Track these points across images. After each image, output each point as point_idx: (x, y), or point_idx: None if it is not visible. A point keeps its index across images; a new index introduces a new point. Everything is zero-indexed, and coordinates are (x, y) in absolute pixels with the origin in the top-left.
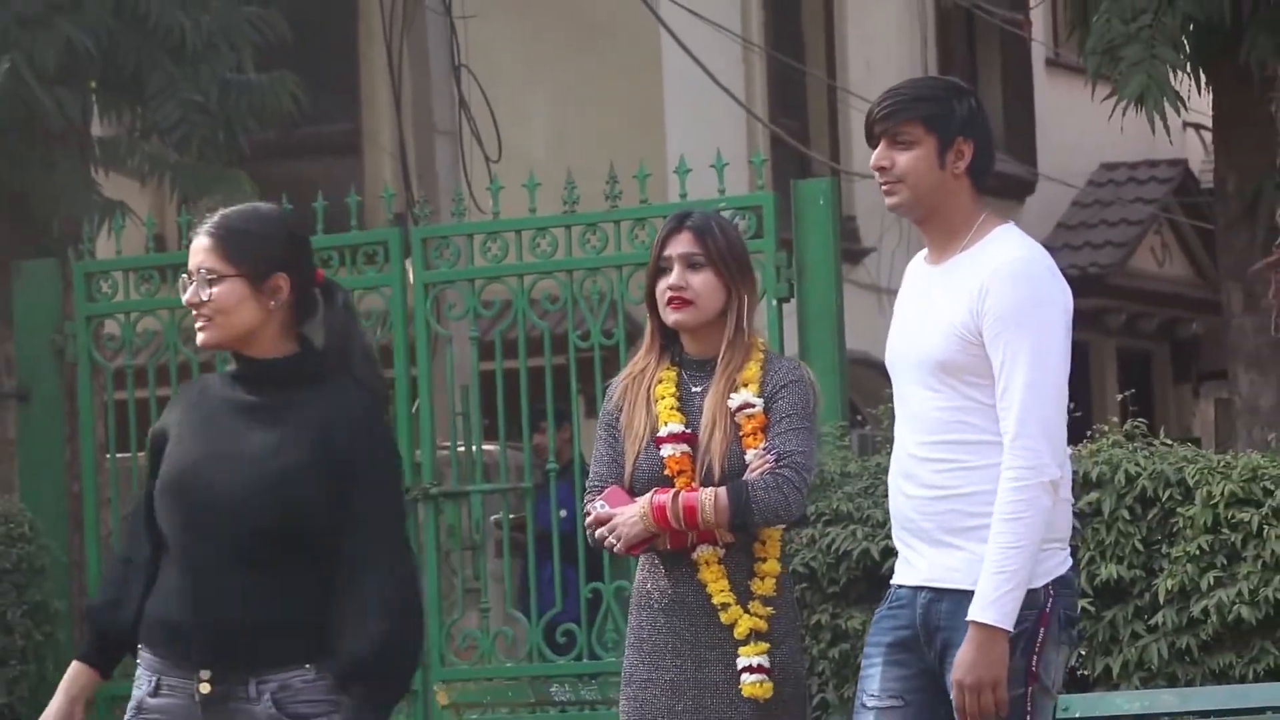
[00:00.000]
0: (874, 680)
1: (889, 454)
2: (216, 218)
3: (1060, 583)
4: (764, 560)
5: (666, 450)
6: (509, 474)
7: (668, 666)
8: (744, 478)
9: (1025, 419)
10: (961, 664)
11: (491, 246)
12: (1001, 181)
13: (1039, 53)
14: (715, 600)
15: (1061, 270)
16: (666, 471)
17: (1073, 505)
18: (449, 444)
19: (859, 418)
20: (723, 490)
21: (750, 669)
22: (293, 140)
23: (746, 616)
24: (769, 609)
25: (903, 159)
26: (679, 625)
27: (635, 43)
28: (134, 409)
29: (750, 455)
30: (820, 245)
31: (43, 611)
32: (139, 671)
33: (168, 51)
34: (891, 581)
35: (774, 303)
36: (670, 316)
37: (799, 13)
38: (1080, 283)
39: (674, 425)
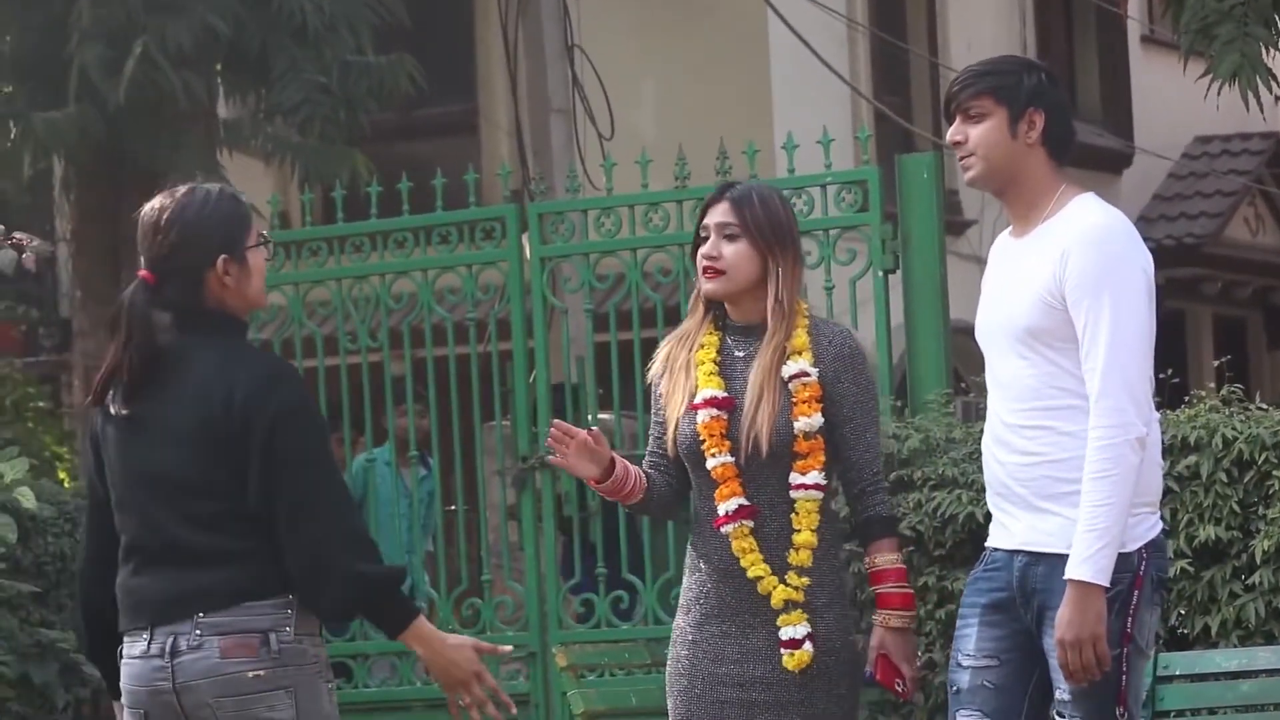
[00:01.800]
0: (970, 640)
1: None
2: None
3: (1153, 546)
4: (799, 531)
5: (701, 416)
6: (623, 442)
7: (713, 631)
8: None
9: (1109, 379)
10: (1062, 622)
11: (605, 221)
12: (1098, 155)
13: (1134, 29)
14: (749, 573)
15: (1157, 241)
16: (700, 437)
17: (1163, 469)
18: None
19: (962, 385)
20: (890, 551)
21: (789, 642)
22: (411, 121)
23: (782, 587)
24: (805, 579)
25: (975, 132)
26: (725, 592)
27: (742, 22)
28: None
29: (801, 424)
30: (924, 218)
31: None
32: (302, 631)
33: (290, 34)
34: (987, 544)
35: (880, 274)
36: (704, 285)
37: None
38: (1176, 253)
39: (710, 390)
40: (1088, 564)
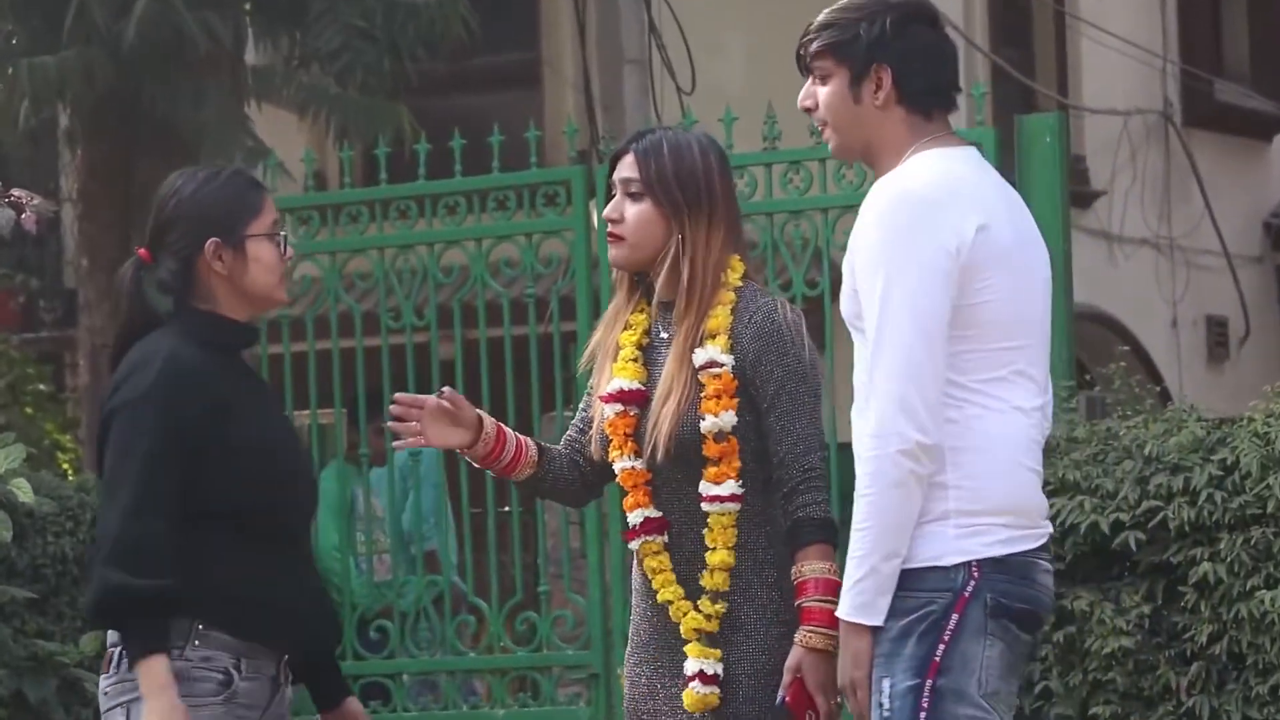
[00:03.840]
0: None
1: (1121, 417)
2: None
3: (993, 565)
4: (713, 550)
5: (606, 412)
6: None
7: (646, 669)
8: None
9: (874, 380)
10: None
11: None
12: (1245, 119)
13: None
14: (659, 597)
15: None
16: (607, 436)
17: (1036, 482)
18: None
19: (1087, 377)
20: (819, 559)
21: (693, 676)
22: (465, 71)
23: (693, 614)
24: (719, 606)
25: (821, 96)
26: (652, 617)
27: None
28: (290, 363)
29: (708, 423)
30: (1046, 186)
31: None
32: (207, 653)
33: None
34: None
35: None
36: (610, 252)
37: None
38: None
39: (621, 380)
40: (845, 598)
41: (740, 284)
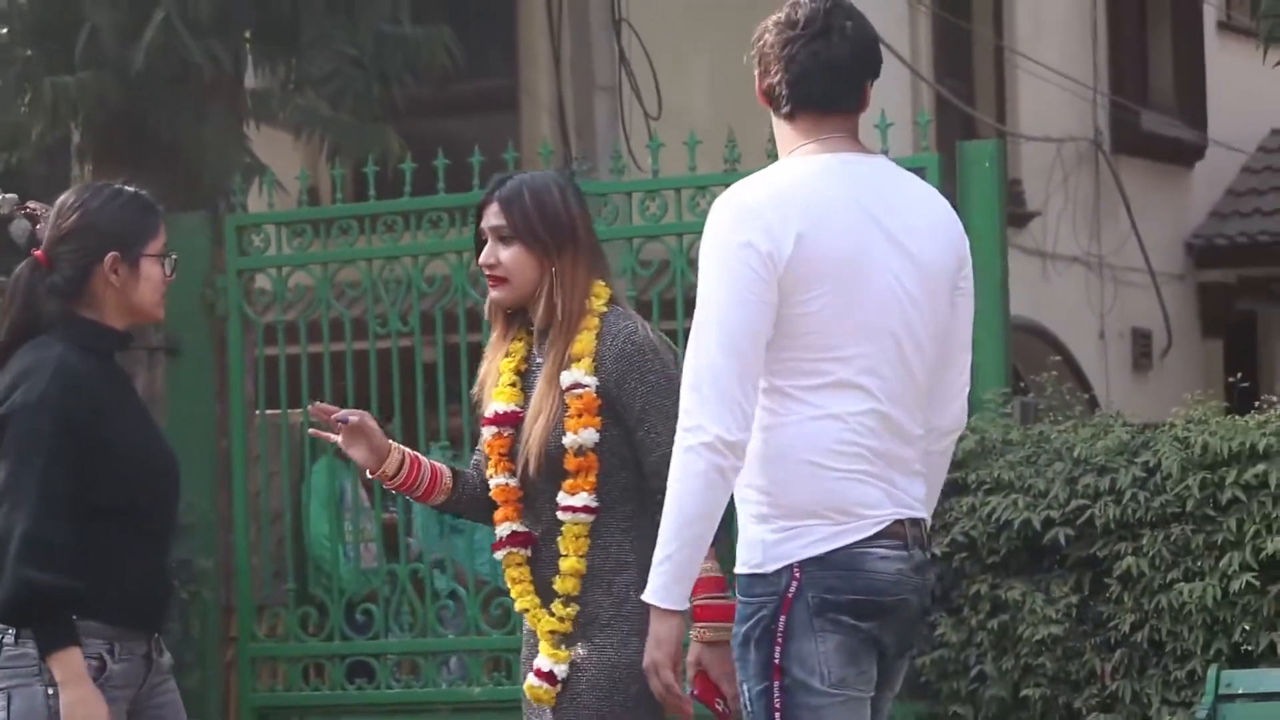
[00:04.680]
0: None
1: (1053, 421)
2: None
3: (816, 564)
4: (565, 557)
5: (485, 434)
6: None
7: (531, 653)
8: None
9: (685, 369)
10: None
11: (650, 205)
12: (1170, 146)
13: (1210, 15)
14: (516, 605)
15: (1230, 238)
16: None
17: (861, 480)
18: None
19: (1022, 384)
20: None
21: (536, 672)
22: (448, 95)
23: (547, 618)
24: (570, 609)
25: None
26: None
27: None
28: (284, 365)
29: (569, 440)
30: (985, 207)
31: (188, 570)
32: (83, 640)
33: (322, 2)
34: None
35: None
36: (491, 294)
37: None
38: (1250, 250)
39: (499, 404)
40: (650, 582)
41: (605, 309)
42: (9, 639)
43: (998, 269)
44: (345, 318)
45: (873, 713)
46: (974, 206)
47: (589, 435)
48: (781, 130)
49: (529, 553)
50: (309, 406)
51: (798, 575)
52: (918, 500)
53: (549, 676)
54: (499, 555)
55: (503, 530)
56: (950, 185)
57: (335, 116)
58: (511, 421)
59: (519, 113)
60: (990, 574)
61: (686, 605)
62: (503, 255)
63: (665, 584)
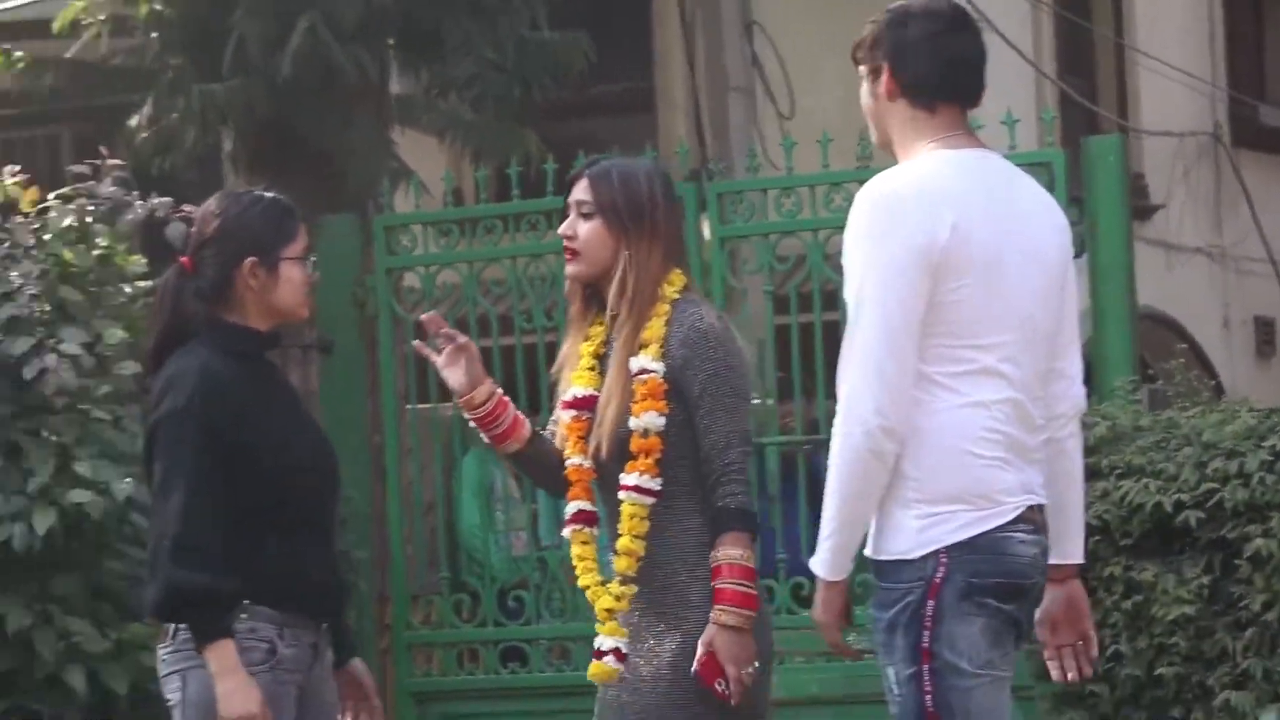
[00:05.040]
0: None
1: (1181, 408)
2: None
3: (962, 548)
4: (620, 536)
5: (564, 417)
6: (806, 427)
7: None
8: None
9: (845, 355)
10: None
11: (785, 202)
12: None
13: None
14: (580, 582)
15: None
16: (565, 438)
17: (1000, 467)
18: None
19: (1150, 372)
20: (733, 546)
21: (596, 651)
22: (586, 98)
23: (605, 596)
24: (627, 589)
25: (862, 96)
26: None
27: None
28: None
29: (634, 423)
30: (1110, 201)
31: (345, 560)
32: (253, 624)
33: (465, 9)
34: None
35: None
36: (567, 268)
37: None
38: None
39: (578, 388)
40: (816, 556)
41: (677, 296)
42: (182, 625)
43: (1124, 261)
44: (491, 314)
45: None
46: (1099, 201)
47: (652, 419)
48: (914, 123)
49: (595, 531)
50: (422, 318)
51: (944, 560)
52: (1040, 486)
53: (604, 653)
54: (566, 533)
55: (572, 508)
56: (1075, 180)
57: (477, 120)
58: (588, 405)
59: (655, 114)
60: (1124, 556)
61: (848, 573)
62: (581, 229)
63: (829, 558)
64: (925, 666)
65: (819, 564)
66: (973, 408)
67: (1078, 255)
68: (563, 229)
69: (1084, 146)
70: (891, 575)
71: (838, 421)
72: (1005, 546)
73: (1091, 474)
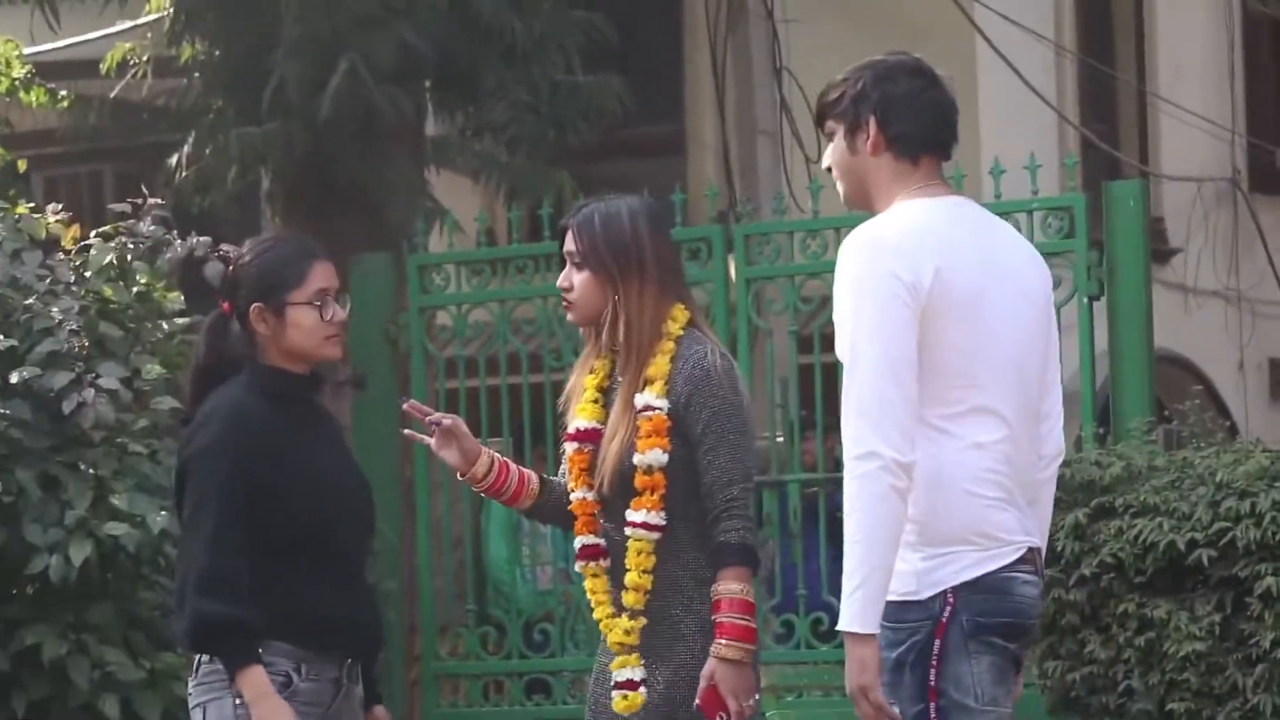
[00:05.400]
0: None
1: (1195, 448)
2: None
3: (968, 588)
4: (629, 572)
5: (568, 449)
6: (827, 464)
7: (603, 663)
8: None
9: (847, 399)
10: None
11: (811, 243)
12: None
13: None
14: (594, 614)
15: None
16: (569, 471)
17: (1000, 508)
18: (768, 435)
19: (1166, 413)
20: (734, 580)
21: (619, 684)
22: (617, 140)
23: (617, 630)
24: (637, 622)
25: (829, 154)
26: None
27: (950, 47)
28: (464, 398)
29: (638, 459)
30: (1130, 245)
31: (376, 592)
32: (269, 659)
33: (500, 53)
34: None
35: (1085, 300)
36: (568, 316)
37: (1110, 18)
38: None
39: (581, 421)
40: (844, 610)
41: (680, 333)
42: (204, 658)
43: (1142, 303)
44: (522, 352)
45: None
46: (1120, 244)
47: (656, 456)
48: (898, 175)
49: (606, 564)
50: (405, 404)
51: (951, 600)
52: (1035, 527)
53: (635, 685)
54: (577, 567)
55: (579, 543)
56: (1097, 224)
57: (511, 161)
58: (592, 438)
59: (685, 156)
60: (1137, 593)
61: (879, 628)
62: (575, 279)
63: (859, 610)
64: (932, 704)
65: (851, 619)
66: (973, 449)
67: (1098, 297)
68: (560, 281)
69: (1105, 191)
70: (897, 616)
71: (849, 465)
72: (1010, 587)
73: (1107, 513)
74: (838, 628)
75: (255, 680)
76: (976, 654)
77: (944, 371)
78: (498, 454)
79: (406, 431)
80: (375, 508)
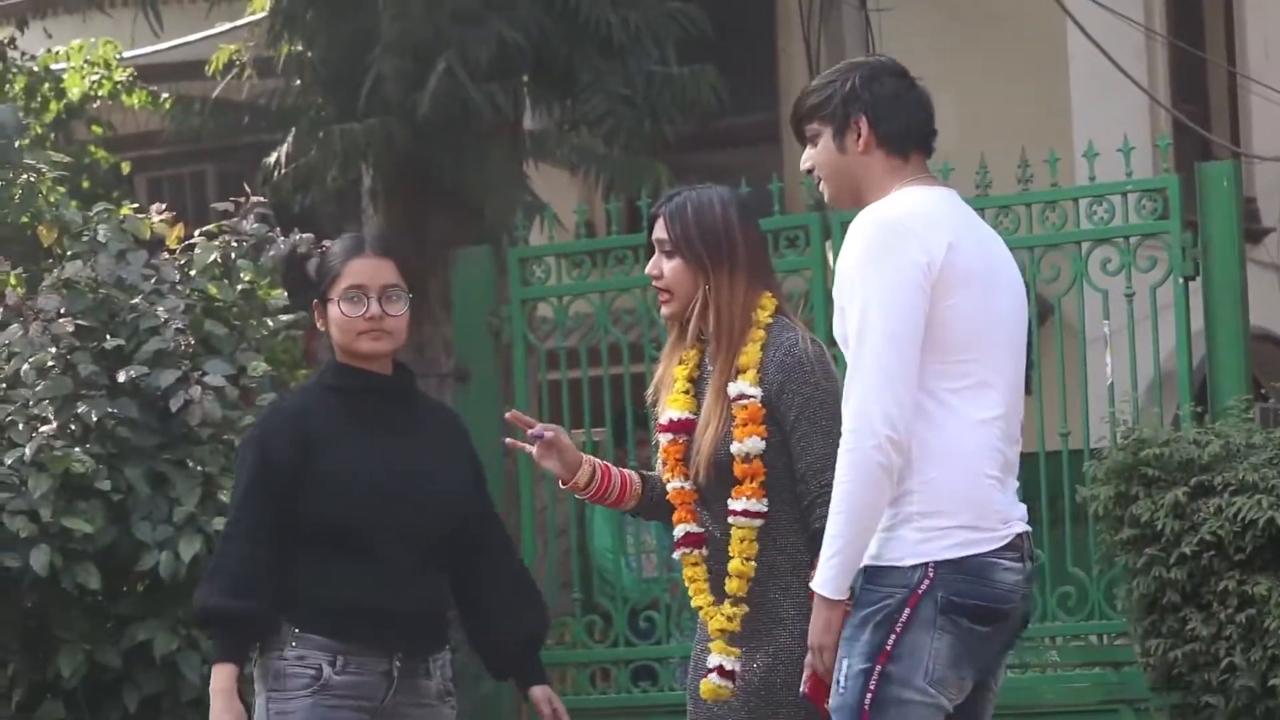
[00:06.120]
0: None
1: None
2: None
3: (950, 566)
4: (732, 559)
5: (662, 440)
6: None
7: (698, 651)
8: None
9: (852, 381)
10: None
11: None
12: None
13: None
14: (693, 603)
15: None
16: (664, 461)
17: (998, 487)
18: None
19: (1262, 391)
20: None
21: (711, 669)
22: (713, 131)
23: (718, 616)
24: (739, 609)
25: (814, 155)
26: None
27: (1042, 32)
28: (566, 388)
29: (736, 448)
30: (1224, 225)
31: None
32: (302, 652)
33: (595, 46)
34: None
35: (1180, 281)
36: (661, 309)
37: (1200, 1)
38: None
39: (674, 412)
40: (819, 573)
41: (770, 321)
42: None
43: (1237, 282)
44: (623, 343)
45: (978, 711)
46: (1213, 224)
47: (754, 444)
48: (890, 171)
49: (705, 552)
50: (507, 415)
51: (931, 574)
52: (1023, 511)
53: (728, 673)
54: (676, 555)
55: (679, 531)
56: (1190, 205)
57: (609, 153)
58: (685, 428)
59: (780, 145)
60: (1237, 570)
61: (849, 595)
62: (665, 267)
63: (834, 576)
64: (878, 667)
65: (824, 582)
66: (976, 425)
67: (1193, 277)
68: (649, 269)
69: (1198, 172)
70: (876, 578)
71: (846, 437)
72: (989, 572)
73: (1206, 491)
74: (811, 585)
75: (219, 674)
76: (941, 630)
77: (952, 345)
78: (598, 460)
79: (509, 441)
80: (454, 502)
